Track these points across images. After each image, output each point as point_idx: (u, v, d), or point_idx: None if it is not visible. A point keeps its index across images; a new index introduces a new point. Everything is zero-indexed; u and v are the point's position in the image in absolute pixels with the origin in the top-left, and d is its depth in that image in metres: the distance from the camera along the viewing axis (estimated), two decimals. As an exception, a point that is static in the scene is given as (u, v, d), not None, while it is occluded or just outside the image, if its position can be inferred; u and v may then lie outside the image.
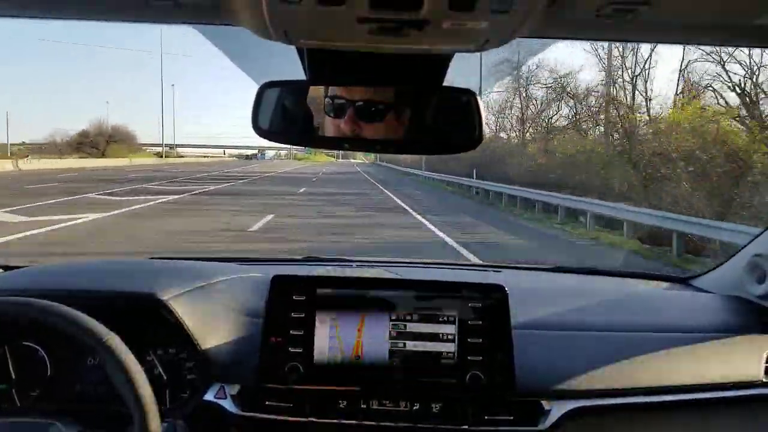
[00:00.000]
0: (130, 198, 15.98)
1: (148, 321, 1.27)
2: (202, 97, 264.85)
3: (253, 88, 0.98)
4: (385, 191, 22.62)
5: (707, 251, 8.76)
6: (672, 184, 12.40)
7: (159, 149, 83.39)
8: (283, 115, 1.00)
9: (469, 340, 1.23)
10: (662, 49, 20.43)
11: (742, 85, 16.61)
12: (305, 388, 1.21)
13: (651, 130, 15.81)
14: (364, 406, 1.20)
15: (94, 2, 0.69)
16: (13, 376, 1.26)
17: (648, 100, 19.51)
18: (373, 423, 1.19)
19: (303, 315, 1.24)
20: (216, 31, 0.79)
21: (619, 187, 15.20)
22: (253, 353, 1.23)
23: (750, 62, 16.15)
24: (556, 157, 19.55)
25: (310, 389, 1.21)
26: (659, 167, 12.96)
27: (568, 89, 23.61)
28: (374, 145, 0.98)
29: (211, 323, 1.28)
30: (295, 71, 0.92)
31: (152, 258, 1.86)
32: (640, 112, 18.90)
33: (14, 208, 12.54)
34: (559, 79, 24.17)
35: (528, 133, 26.86)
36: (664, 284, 1.84)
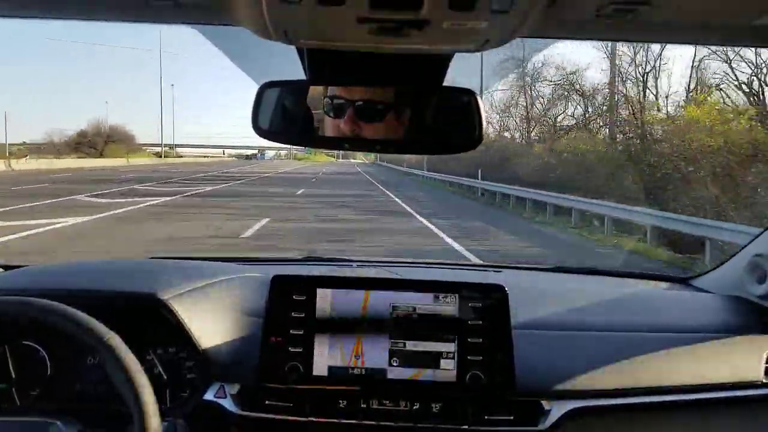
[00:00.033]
0: (119, 200, 15.23)
1: (148, 320, 1.26)
2: (202, 97, 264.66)
3: (253, 88, 0.99)
4: (387, 192, 21.79)
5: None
6: (695, 186, 11.60)
7: (158, 149, 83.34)
8: (283, 115, 1.00)
9: (469, 340, 1.22)
10: (672, 44, 19.68)
11: (750, 83, 15.90)
12: (305, 388, 1.21)
13: (668, 128, 14.97)
14: (364, 406, 1.20)
15: (94, 2, 0.69)
16: (13, 376, 1.25)
17: (666, 96, 18.68)
18: (373, 423, 1.19)
19: (303, 315, 1.24)
20: (216, 31, 0.79)
21: (634, 188, 14.38)
22: (253, 353, 1.22)
23: (757, 60, 15.41)
24: (565, 157, 18.72)
25: (310, 389, 1.21)
26: (680, 167, 12.14)
27: (577, 86, 22.82)
28: (374, 145, 0.98)
29: (211, 323, 1.28)
30: (295, 71, 0.93)
31: (152, 258, 1.84)
32: (653, 111, 18.07)
33: (-8, 211, 11.92)
34: (567, 76, 23.37)
35: (533, 132, 26.07)
36: (664, 284, 1.82)
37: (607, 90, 21.64)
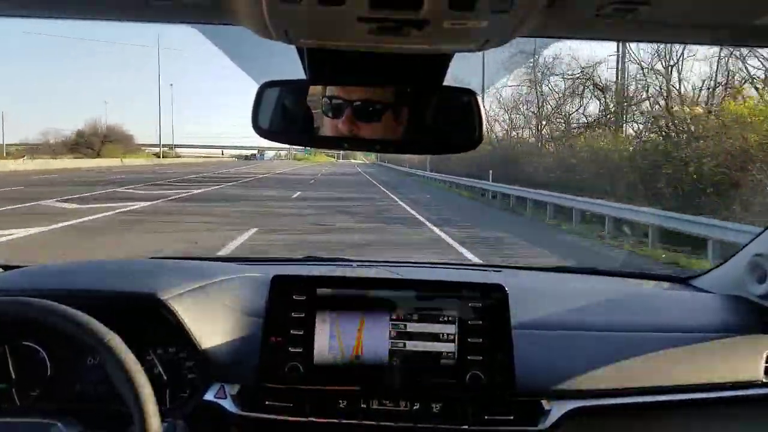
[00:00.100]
0: (93, 205, 13.61)
1: (148, 321, 1.26)
2: (203, 97, 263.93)
3: (253, 88, 0.98)
4: (391, 195, 20.13)
5: None
6: (748, 190, 9.94)
7: (158, 150, 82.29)
8: (283, 115, 0.99)
9: (469, 340, 1.22)
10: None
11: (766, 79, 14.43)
12: (305, 388, 1.20)
13: (711, 124, 13.28)
14: (364, 406, 1.19)
15: (94, 2, 0.69)
16: (13, 376, 1.25)
17: (710, 90, 16.88)
18: (373, 423, 1.19)
19: (303, 315, 1.23)
20: (216, 31, 0.79)
21: (669, 192, 12.69)
22: (253, 353, 1.22)
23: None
24: (586, 157, 17.03)
25: (310, 389, 1.20)
26: (740, 169, 10.46)
27: (596, 80, 21.03)
28: (374, 145, 0.97)
29: (211, 323, 1.27)
30: (295, 71, 0.92)
31: (152, 258, 1.85)
32: (684, 105, 16.37)
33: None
34: (583, 69, 21.58)
35: (545, 131, 24.32)
36: (664, 284, 1.82)
37: (630, 84, 19.97)
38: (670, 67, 18.38)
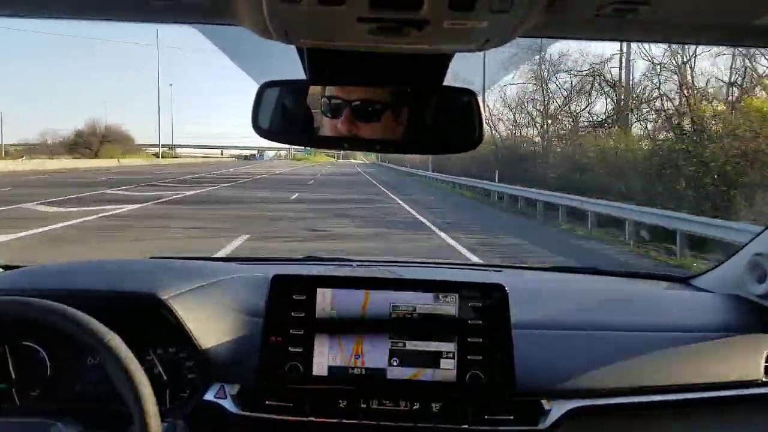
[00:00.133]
0: (74, 209, 12.79)
1: (148, 320, 1.25)
2: (203, 97, 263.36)
3: (253, 88, 0.98)
4: (393, 197, 19.24)
5: None
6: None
7: (158, 150, 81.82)
8: (283, 115, 0.99)
9: (469, 339, 1.21)
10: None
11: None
12: (305, 388, 1.20)
13: (730, 122, 12.43)
14: (364, 406, 1.19)
15: (94, 2, 0.69)
16: (13, 376, 1.24)
17: (734, 85, 16.00)
18: (373, 423, 1.18)
19: (303, 314, 1.23)
20: (216, 31, 0.79)
21: (692, 194, 11.86)
22: (253, 353, 1.21)
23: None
24: (599, 156, 16.17)
25: (310, 389, 1.20)
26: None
27: (608, 76, 20.10)
28: (374, 145, 0.97)
29: (211, 323, 1.26)
30: (295, 71, 0.92)
31: (152, 258, 1.83)
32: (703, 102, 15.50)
33: None
34: (594, 66, 20.67)
35: (551, 129, 23.43)
36: (664, 284, 1.81)
37: (641, 81, 19.10)
38: (683, 64, 17.54)
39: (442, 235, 10.01)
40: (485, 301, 1.23)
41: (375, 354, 1.20)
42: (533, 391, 1.19)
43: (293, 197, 18.05)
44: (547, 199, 13.91)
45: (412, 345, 1.21)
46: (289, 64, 0.90)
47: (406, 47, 0.69)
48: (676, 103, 17.96)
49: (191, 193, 19.02)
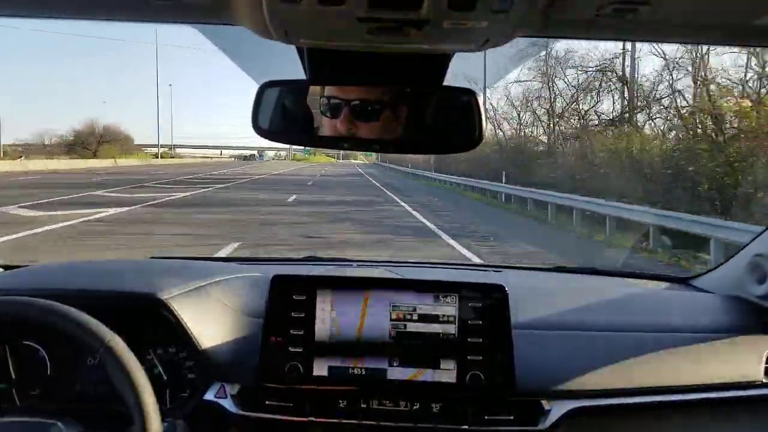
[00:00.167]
0: (57, 213, 11.92)
1: (148, 320, 1.25)
2: (203, 98, 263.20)
3: (253, 88, 0.98)
4: (395, 198, 18.32)
5: None
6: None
7: (158, 150, 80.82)
8: (283, 115, 0.99)
9: (469, 340, 1.21)
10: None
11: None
12: (305, 388, 1.20)
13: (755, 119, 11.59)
14: (364, 406, 1.19)
15: (94, 2, 0.69)
16: (13, 376, 1.24)
17: (744, 83, 15.17)
18: (373, 423, 1.18)
19: (303, 315, 1.23)
20: (216, 31, 0.79)
21: (718, 197, 11.06)
22: (253, 353, 1.21)
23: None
24: (610, 156, 15.34)
25: (310, 389, 1.20)
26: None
27: (620, 73, 19.15)
28: (373, 145, 0.97)
29: (211, 323, 1.26)
30: (295, 71, 0.92)
31: (152, 258, 1.83)
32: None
33: None
34: (604, 62, 19.77)
35: (560, 128, 22.56)
36: (664, 284, 1.80)
37: (653, 78, 18.27)
38: (700, 58, 16.73)
39: (451, 242, 9.13)
40: (485, 302, 1.23)
41: (375, 354, 1.20)
42: (533, 392, 1.19)
43: (291, 199, 17.06)
44: (560, 201, 13.09)
45: (412, 345, 1.20)
46: (289, 64, 0.91)
47: (406, 47, 0.69)
48: (691, 100, 17.17)
49: (183, 195, 17.90)
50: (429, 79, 0.90)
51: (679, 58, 17.25)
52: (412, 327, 1.21)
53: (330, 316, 1.22)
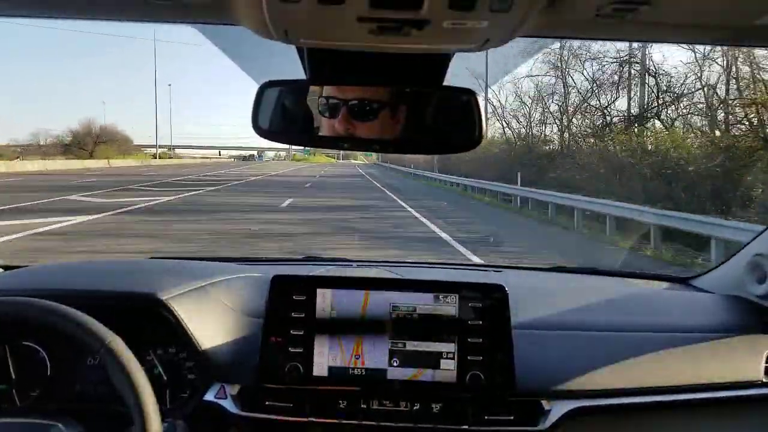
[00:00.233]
0: (10, 222, 10.34)
1: (148, 321, 1.25)
2: (203, 98, 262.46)
3: (253, 88, 0.97)
4: (400, 203, 16.72)
5: None
6: None
7: (158, 150, 79.84)
8: (283, 115, 0.99)
9: (469, 340, 1.21)
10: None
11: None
12: (305, 388, 1.20)
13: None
14: (364, 406, 1.19)
15: (94, 2, 0.68)
16: (13, 376, 1.24)
17: None
18: (373, 423, 1.18)
19: (303, 315, 1.23)
20: (216, 31, 0.78)
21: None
22: (253, 353, 1.21)
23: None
24: (639, 157, 13.76)
25: (310, 389, 1.20)
26: None
27: (649, 68, 17.45)
28: (373, 145, 0.97)
29: (211, 323, 1.26)
30: (295, 71, 0.91)
31: (152, 258, 1.82)
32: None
33: None
34: (630, 53, 18.07)
35: (577, 125, 20.96)
36: (664, 284, 1.80)
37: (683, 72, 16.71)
38: (735, 57, 15.23)
39: (475, 259, 7.59)
40: (485, 302, 1.23)
41: (375, 354, 1.21)
42: (533, 392, 1.19)
43: (285, 204, 15.42)
44: (587, 206, 11.54)
45: (412, 345, 1.21)
46: (289, 64, 0.90)
47: (406, 47, 0.69)
48: (723, 94, 15.67)
49: (168, 199, 16.35)
50: (429, 79, 0.90)
51: (711, 50, 15.73)
52: (411, 327, 1.21)
53: (330, 316, 1.22)
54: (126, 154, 64.18)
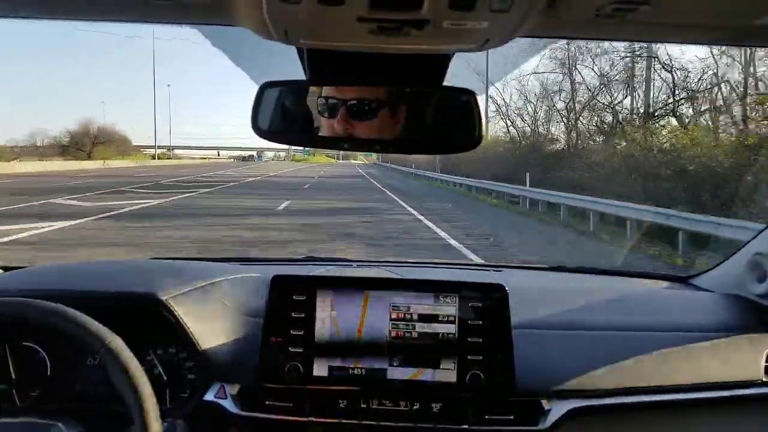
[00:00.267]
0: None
1: (148, 321, 1.25)
2: (202, 98, 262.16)
3: (253, 88, 0.97)
4: (403, 205, 15.91)
5: None
6: None
7: (157, 151, 79.30)
8: (282, 115, 0.99)
9: (469, 339, 1.21)
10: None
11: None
12: (305, 388, 1.20)
13: None
14: (364, 406, 1.19)
15: (94, 2, 0.68)
16: (13, 376, 1.24)
17: None
18: (373, 423, 1.18)
19: (303, 315, 1.23)
20: (216, 31, 0.79)
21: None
22: (253, 353, 1.21)
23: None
24: (660, 156, 12.94)
25: (310, 389, 1.20)
26: None
27: (665, 63, 16.60)
28: (373, 145, 0.97)
29: (211, 323, 1.26)
30: (295, 71, 0.91)
31: (152, 258, 1.82)
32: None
33: None
34: (641, 49, 17.24)
35: (587, 123, 20.16)
36: (664, 283, 1.79)
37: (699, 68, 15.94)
38: (752, 53, 14.54)
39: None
40: (485, 302, 1.23)
41: (375, 354, 1.20)
42: (533, 391, 1.19)
43: (281, 207, 14.63)
44: (605, 209, 10.79)
45: (412, 345, 1.21)
46: (289, 64, 0.91)
47: (406, 47, 0.69)
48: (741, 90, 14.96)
49: (158, 202, 15.51)
50: (429, 79, 0.90)
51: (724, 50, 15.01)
52: (411, 327, 1.21)
53: (330, 316, 1.22)
54: (125, 154, 63.63)
